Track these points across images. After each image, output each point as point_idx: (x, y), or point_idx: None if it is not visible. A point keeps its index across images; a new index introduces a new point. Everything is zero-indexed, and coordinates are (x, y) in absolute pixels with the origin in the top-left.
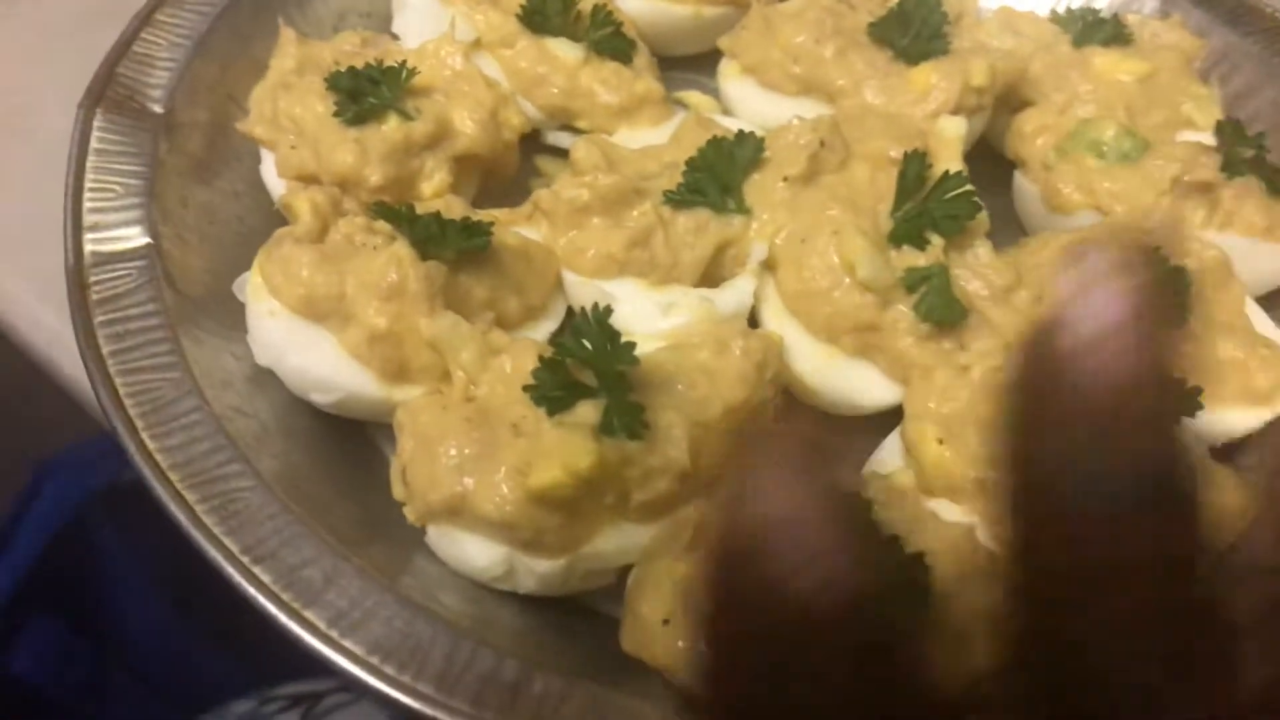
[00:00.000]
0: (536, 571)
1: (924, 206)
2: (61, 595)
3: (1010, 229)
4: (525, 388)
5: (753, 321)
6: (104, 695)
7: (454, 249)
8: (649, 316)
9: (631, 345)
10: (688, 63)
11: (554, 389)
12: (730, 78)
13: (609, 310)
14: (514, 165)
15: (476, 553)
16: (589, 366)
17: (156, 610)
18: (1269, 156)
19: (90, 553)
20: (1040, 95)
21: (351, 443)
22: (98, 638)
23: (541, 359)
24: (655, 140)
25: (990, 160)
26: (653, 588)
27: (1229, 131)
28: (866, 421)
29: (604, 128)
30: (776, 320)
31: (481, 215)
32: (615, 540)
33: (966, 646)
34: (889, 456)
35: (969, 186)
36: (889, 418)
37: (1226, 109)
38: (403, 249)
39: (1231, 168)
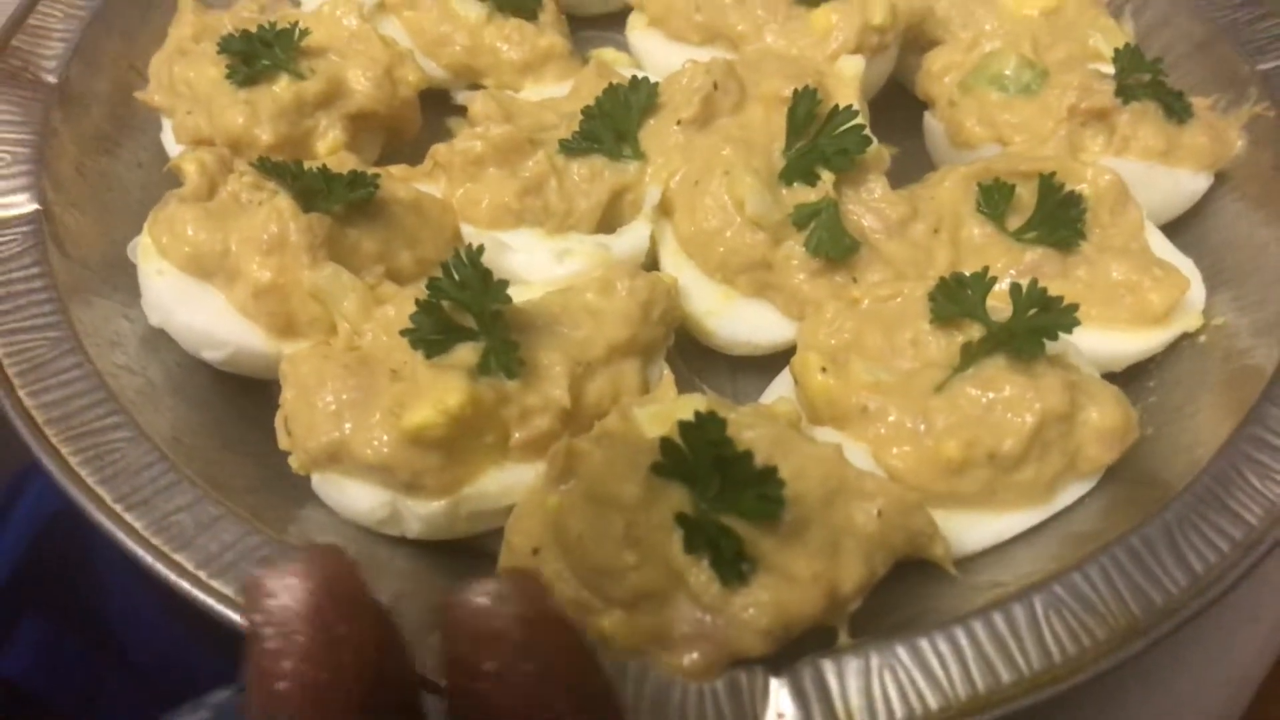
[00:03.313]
0: (419, 514)
1: (815, 143)
2: (50, 594)
3: (923, 171)
4: (403, 332)
5: (653, 266)
6: (96, 693)
7: (339, 201)
8: (544, 265)
9: (504, 283)
10: (603, 21)
11: (432, 332)
12: (638, 30)
13: (481, 249)
14: (415, 123)
15: (360, 497)
16: (464, 307)
17: (146, 606)
18: (1177, 84)
19: (77, 550)
20: (948, 34)
21: (250, 401)
22: (88, 636)
23: (418, 303)
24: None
25: (904, 105)
26: (524, 520)
27: (1126, 57)
28: (765, 360)
29: (510, 85)
30: (674, 263)
31: (379, 171)
32: (499, 480)
33: (836, 559)
34: (783, 391)
35: (859, 121)
36: (788, 357)
37: (1140, 42)
38: (283, 202)
39: (1127, 93)
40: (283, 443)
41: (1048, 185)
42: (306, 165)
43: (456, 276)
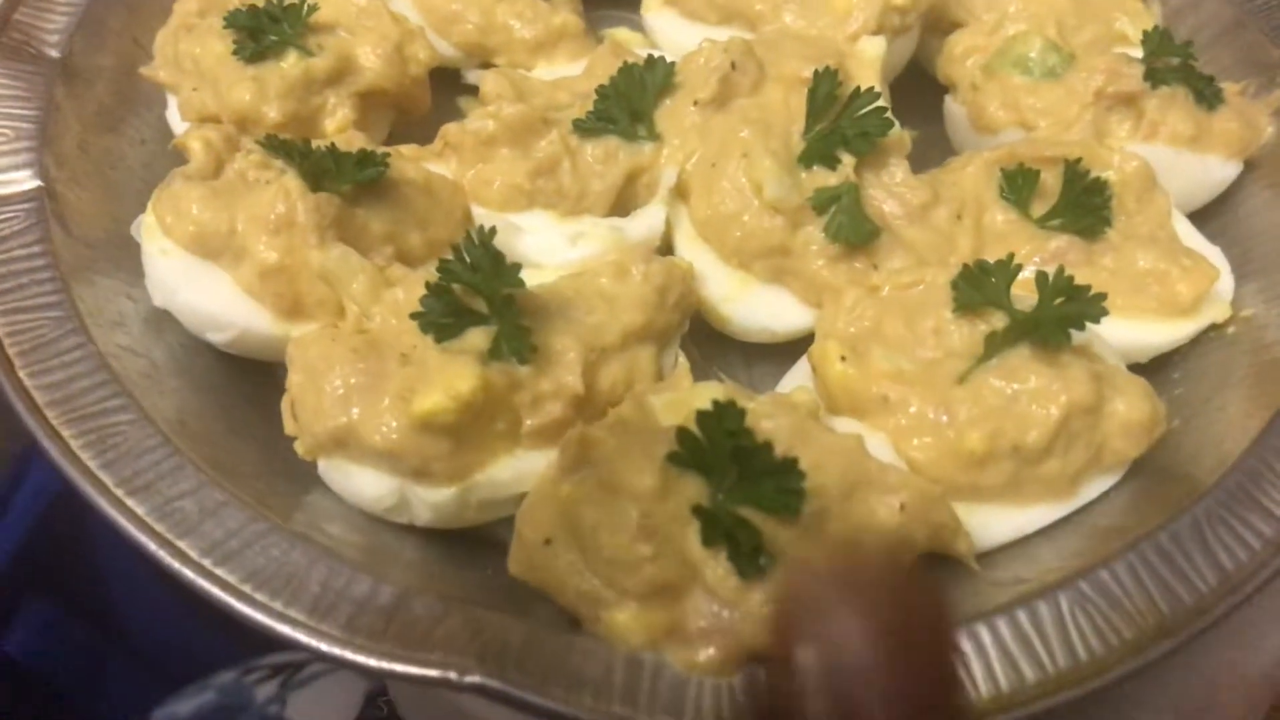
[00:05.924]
0: (428, 501)
1: (835, 125)
2: (53, 576)
3: (943, 156)
4: (413, 315)
5: (668, 251)
6: (99, 673)
7: (348, 180)
8: (557, 248)
9: (517, 266)
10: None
11: (442, 316)
12: (653, 9)
13: (493, 231)
14: (425, 101)
15: (367, 484)
16: (475, 290)
17: (147, 587)
18: (1205, 69)
19: (79, 533)
20: (971, 16)
21: (256, 384)
22: (91, 616)
23: (428, 285)
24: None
25: (926, 88)
26: (536, 509)
27: (1155, 41)
28: (781, 348)
29: (522, 63)
30: (689, 248)
31: (389, 151)
32: (510, 468)
33: (856, 554)
34: (801, 380)
35: (881, 103)
36: (805, 344)
37: (1169, 24)
38: (291, 181)
39: (1156, 77)
40: (289, 427)
41: (1073, 171)
42: (315, 144)
43: (467, 259)
